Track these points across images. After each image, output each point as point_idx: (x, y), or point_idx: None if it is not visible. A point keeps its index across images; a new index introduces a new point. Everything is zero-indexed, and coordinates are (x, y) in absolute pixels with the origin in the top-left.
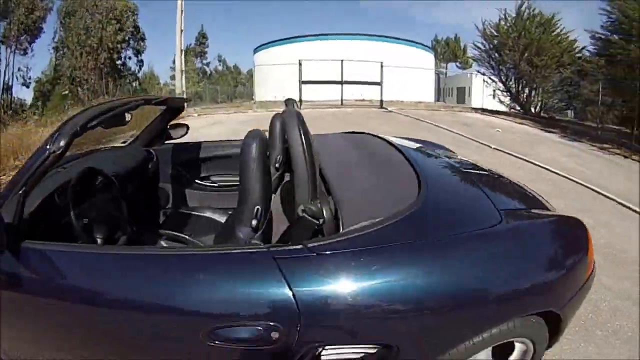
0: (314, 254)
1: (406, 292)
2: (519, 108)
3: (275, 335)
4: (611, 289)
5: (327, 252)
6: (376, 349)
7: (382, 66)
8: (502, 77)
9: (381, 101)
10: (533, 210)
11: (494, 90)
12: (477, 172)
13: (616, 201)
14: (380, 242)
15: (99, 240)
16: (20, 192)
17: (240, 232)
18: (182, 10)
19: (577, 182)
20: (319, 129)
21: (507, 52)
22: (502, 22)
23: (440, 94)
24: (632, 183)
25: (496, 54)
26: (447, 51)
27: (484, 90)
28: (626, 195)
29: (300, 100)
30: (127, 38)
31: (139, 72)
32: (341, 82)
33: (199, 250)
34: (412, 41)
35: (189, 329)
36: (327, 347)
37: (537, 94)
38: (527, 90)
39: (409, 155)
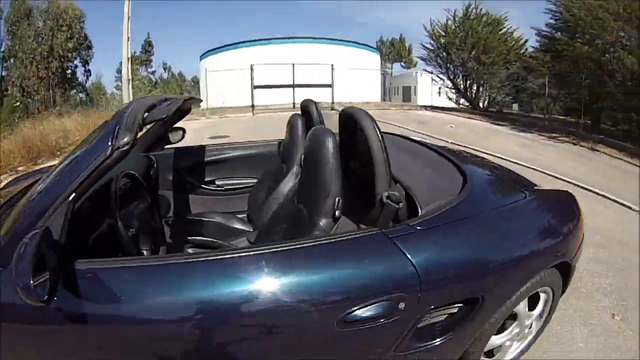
0: (419, 229)
1: (482, 254)
2: (467, 104)
3: (402, 305)
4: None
5: (427, 227)
6: (469, 301)
7: (332, 68)
8: (450, 74)
9: (332, 103)
10: (536, 187)
11: (440, 88)
12: (484, 161)
13: (574, 184)
14: (455, 217)
15: (144, 252)
16: (70, 199)
17: (322, 223)
18: (129, 17)
19: (536, 170)
20: (282, 133)
21: (455, 51)
22: (450, 22)
23: (386, 93)
24: (580, 165)
25: (444, 53)
26: (392, 51)
27: (432, 88)
28: (581, 178)
29: (253, 105)
30: (77, 46)
31: (86, 82)
32: (293, 86)
33: (315, 241)
34: (358, 43)
35: (321, 320)
36: (434, 309)
37: (484, 89)
38: (475, 87)
39: (437, 150)
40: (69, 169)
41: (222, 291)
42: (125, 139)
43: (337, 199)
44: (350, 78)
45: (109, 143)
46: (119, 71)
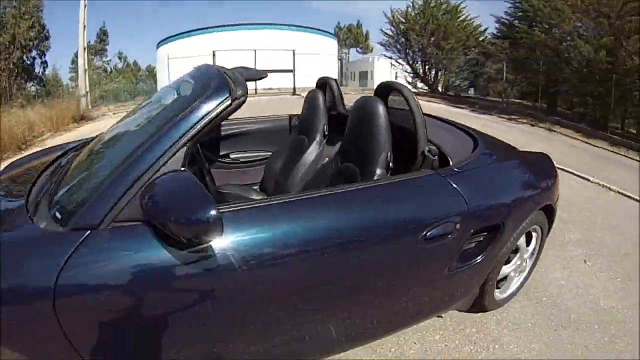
0: (460, 171)
1: (499, 192)
2: (426, 88)
3: (458, 226)
4: None
5: (465, 170)
6: (492, 228)
7: (294, 54)
8: (409, 59)
9: (294, 88)
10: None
11: (396, 73)
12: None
13: None
14: (479, 166)
15: None
16: (190, 143)
17: (378, 173)
18: (85, 4)
19: None
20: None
21: (415, 37)
22: (410, 10)
23: (343, 78)
24: (541, 143)
25: (403, 39)
26: (350, 37)
27: (391, 73)
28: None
29: None
30: (37, 35)
31: (43, 73)
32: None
33: (389, 180)
34: (317, 29)
35: (411, 237)
36: (473, 234)
37: (443, 74)
38: (433, 72)
39: (447, 120)
40: (179, 120)
41: (330, 225)
42: (240, 92)
43: (389, 153)
44: (309, 63)
45: (228, 95)
46: (74, 62)
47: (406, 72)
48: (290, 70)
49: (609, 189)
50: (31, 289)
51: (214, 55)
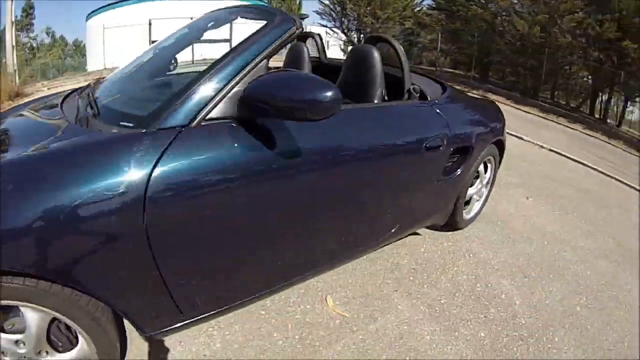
0: (441, 104)
1: (468, 122)
2: None
3: (445, 142)
4: None
5: (444, 103)
6: (465, 149)
7: (232, 23)
8: (344, 28)
9: None
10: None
11: (328, 42)
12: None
13: None
14: (451, 102)
15: None
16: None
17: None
18: None
19: None
20: None
21: (352, 6)
22: None
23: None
24: None
25: (338, 8)
26: (283, 6)
27: (325, 41)
28: None
29: None
30: None
31: None
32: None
33: (395, 103)
34: None
35: (417, 145)
36: (452, 153)
37: None
38: None
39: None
40: (261, 37)
41: (361, 137)
42: (299, 24)
43: (383, 89)
44: (243, 33)
45: (293, 24)
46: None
47: (341, 40)
48: (227, 40)
49: (541, 146)
50: (123, 188)
51: (150, 24)
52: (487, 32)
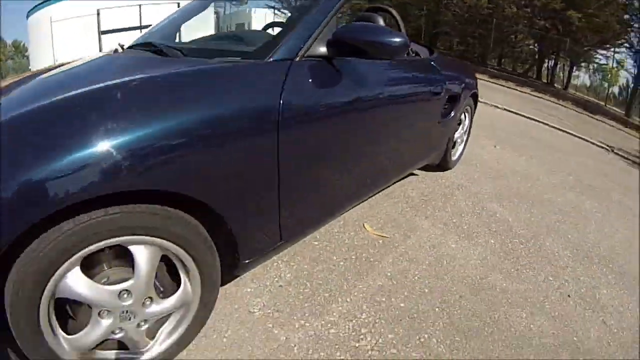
0: (434, 60)
1: (455, 75)
2: None
3: (443, 88)
4: None
5: (435, 60)
6: (453, 98)
7: (179, 6)
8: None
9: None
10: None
11: (272, 23)
12: None
13: None
14: (441, 60)
15: None
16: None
17: None
18: None
19: None
20: None
21: None
22: None
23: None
24: None
25: None
26: None
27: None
28: None
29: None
30: None
31: None
32: (140, 27)
33: (409, 59)
34: None
35: (427, 92)
36: (448, 100)
37: None
38: None
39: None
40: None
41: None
42: None
43: None
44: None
45: None
46: None
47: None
48: None
49: (496, 107)
50: (261, 109)
51: (98, 13)
52: (436, 5)
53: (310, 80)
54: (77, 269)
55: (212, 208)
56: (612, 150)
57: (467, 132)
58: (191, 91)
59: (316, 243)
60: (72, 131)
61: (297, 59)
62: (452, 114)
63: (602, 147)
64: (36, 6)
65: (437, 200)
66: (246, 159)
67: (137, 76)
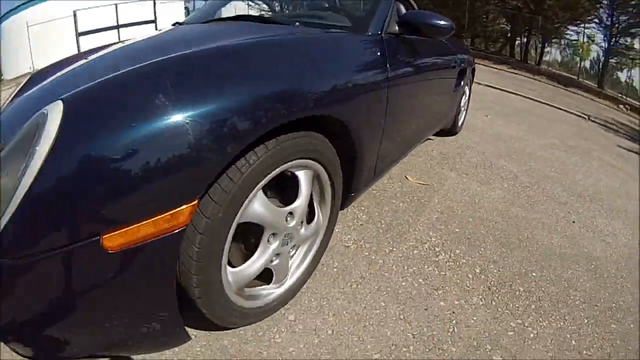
0: (444, 40)
1: (460, 52)
2: None
3: (457, 62)
4: None
5: (446, 40)
6: (463, 70)
7: (155, 3)
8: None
9: None
10: None
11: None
12: None
13: None
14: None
15: None
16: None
17: None
18: None
19: None
20: None
21: None
22: None
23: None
24: None
25: None
26: None
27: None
28: None
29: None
30: None
31: None
32: (117, 27)
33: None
34: None
35: (449, 65)
36: (458, 73)
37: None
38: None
39: None
40: None
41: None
42: None
43: None
44: (164, 12)
45: None
46: None
47: (263, 11)
48: (153, 21)
49: (478, 83)
50: (372, 76)
51: (75, 15)
52: None
53: (394, 50)
54: (261, 192)
55: (353, 137)
56: (589, 118)
57: (468, 102)
58: (334, 51)
59: (375, 191)
60: (280, 69)
61: (383, 34)
62: (462, 84)
63: (579, 116)
64: (8, 12)
65: (454, 157)
66: (369, 103)
67: (293, 35)
